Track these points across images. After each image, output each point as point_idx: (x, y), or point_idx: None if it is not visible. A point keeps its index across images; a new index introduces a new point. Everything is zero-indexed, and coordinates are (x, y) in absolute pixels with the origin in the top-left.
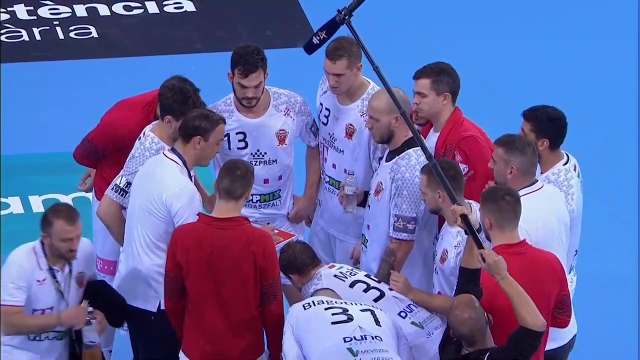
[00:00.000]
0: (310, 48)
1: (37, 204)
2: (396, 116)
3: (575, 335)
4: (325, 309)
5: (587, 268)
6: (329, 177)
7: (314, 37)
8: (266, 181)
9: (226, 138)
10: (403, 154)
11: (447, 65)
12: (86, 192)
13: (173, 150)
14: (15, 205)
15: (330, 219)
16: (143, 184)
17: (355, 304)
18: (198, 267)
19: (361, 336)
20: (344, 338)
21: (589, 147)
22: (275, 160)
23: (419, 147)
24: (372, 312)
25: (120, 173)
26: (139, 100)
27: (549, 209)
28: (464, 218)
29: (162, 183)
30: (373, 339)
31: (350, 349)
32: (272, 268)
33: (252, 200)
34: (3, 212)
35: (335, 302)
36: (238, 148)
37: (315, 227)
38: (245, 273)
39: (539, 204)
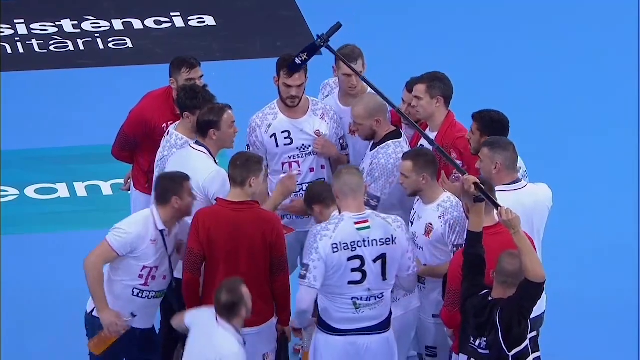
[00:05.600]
0: (294, 67)
1: (81, 189)
2: (376, 119)
3: (540, 314)
4: (348, 258)
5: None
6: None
7: (296, 58)
8: (312, 170)
9: (273, 138)
10: (384, 144)
11: (441, 74)
12: (128, 191)
13: (197, 142)
14: (62, 190)
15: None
16: None
17: (372, 242)
18: (217, 243)
19: (367, 297)
20: (352, 297)
21: (588, 144)
22: (317, 153)
23: (398, 140)
24: (383, 259)
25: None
26: (159, 91)
27: (513, 208)
28: (477, 185)
29: (197, 171)
30: (376, 298)
31: (354, 303)
32: (280, 244)
33: (302, 188)
34: (51, 197)
35: (356, 247)
36: (285, 145)
37: None
38: (256, 248)
39: (505, 203)
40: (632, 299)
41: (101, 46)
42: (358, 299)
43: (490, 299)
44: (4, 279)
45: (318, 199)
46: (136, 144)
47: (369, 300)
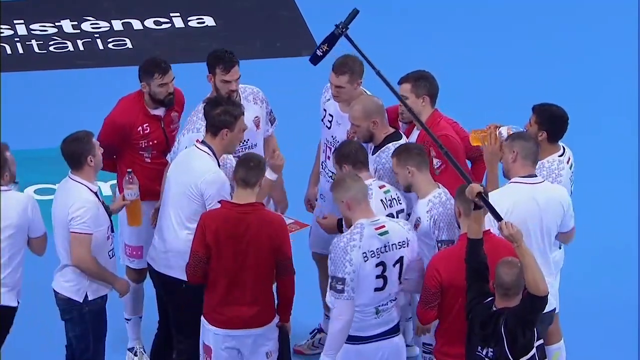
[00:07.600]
0: (315, 59)
1: None
2: (373, 120)
3: (552, 309)
4: (376, 265)
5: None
6: (333, 172)
7: (317, 50)
8: None
9: None
10: (384, 147)
11: (426, 72)
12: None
13: (203, 142)
14: None
15: (332, 208)
16: (179, 172)
17: (392, 247)
18: (224, 246)
19: (387, 301)
20: (375, 306)
21: (589, 141)
22: (256, 144)
23: (399, 141)
24: (401, 262)
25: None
26: (131, 96)
27: (526, 203)
28: (480, 195)
29: (198, 171)
30: (391, 301)
31: (377, 309)
32: (286, 246)
33: None
34: (51, 197)
35: (380, 253)
36: None
37: (320, 216)
38: (261, 251)
39: (518, 195)
40: (632, 299)
41: (101, 47)
42: (379, 305)
43: (495, 309)
44: None
45: (348, 158)
46: (115, 151)
47: (387, 305)
